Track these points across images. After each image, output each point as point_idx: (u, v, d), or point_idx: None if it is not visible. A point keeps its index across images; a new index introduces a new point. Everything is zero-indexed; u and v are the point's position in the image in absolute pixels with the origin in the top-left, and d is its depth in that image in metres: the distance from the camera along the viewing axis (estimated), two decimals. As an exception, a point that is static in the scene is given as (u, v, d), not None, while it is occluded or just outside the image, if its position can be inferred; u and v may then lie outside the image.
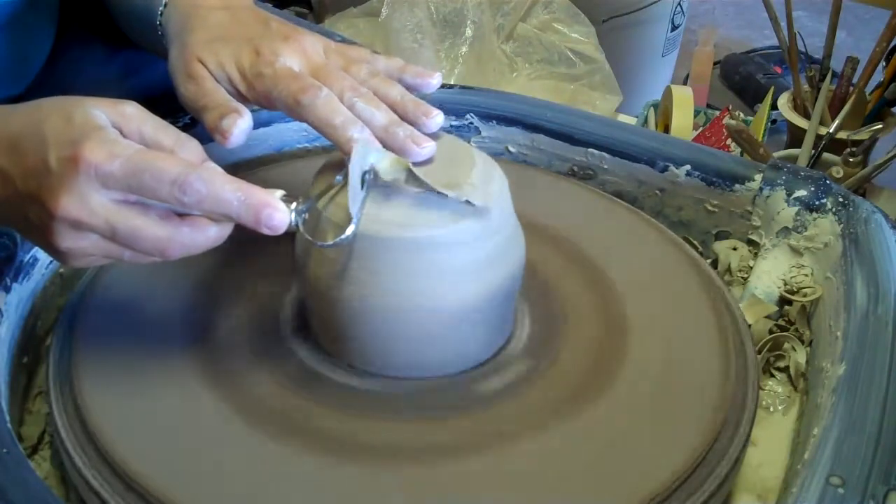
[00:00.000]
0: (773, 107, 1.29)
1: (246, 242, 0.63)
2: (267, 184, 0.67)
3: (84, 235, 0.46)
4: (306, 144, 0.75)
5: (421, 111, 0.54)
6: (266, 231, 0.47)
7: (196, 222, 0.47)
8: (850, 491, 0.44)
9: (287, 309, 0.58)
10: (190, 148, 0.49)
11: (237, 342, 0.56)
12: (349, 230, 0.48)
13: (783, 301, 0.65)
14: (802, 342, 0.62)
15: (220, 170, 0.47)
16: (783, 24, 1.22)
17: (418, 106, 0.54)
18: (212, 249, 0.61)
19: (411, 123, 0.53)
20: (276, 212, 0.47)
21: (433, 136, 0.54)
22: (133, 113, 0.48)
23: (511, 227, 0.54)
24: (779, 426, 0.58)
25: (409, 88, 0.56)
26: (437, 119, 0.53)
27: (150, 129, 0.48)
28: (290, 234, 0.48)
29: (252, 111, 0.53)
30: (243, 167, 0.73)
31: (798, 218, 0.66)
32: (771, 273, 0.66)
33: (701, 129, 1.27)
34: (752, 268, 0.68)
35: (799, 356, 0.61)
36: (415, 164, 0.51)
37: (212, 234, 0.47)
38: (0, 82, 0.73)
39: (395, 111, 0.54)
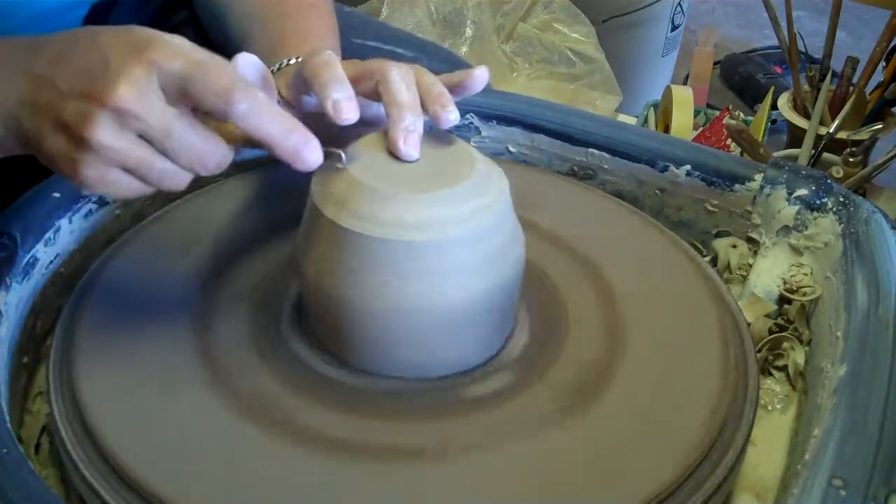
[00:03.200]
0: (773, 107, 1.29)
1: (245, 244, 0.63)
2: (266, 185, 0.67)
3: (125, 134, 0.45)
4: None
5: (440, 101, 0.54)
6: (299, 166, 0.48)
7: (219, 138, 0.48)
8: (851, 493, 0.44)
9: (287, 308, 0.58)
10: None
11: (237, 342, 0.56)
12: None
13: (782, 300, 0.65)
14: (801, 342, 0.62)
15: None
16: (783, 24, 1.22)
17: (441, 96, 0.54)
18: (212, 250, 0.62)
19: (429, 110, 0.53)
20: (314, 150, 0.48)
21: (434, 135, 0.54)
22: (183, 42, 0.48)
23: (511, 227, 0.54)
24: (777, 425, 0.59)
25: (457, 88, 0.56)
26: (452, 115, 0.53)
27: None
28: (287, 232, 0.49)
29: None
30: (243, 167, 0.73)
31: (798, 217, 0.66)
32: (771, 272, 0.66)
33: (701, 129, 1.27)
34: (751, 266, 0.68)
35: (798, 355, 0.61)
36: (413, 161, 0.52)
37: (228, 154, 0.48)
38: None
39: (420, 94, 0.54)
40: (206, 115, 0.48)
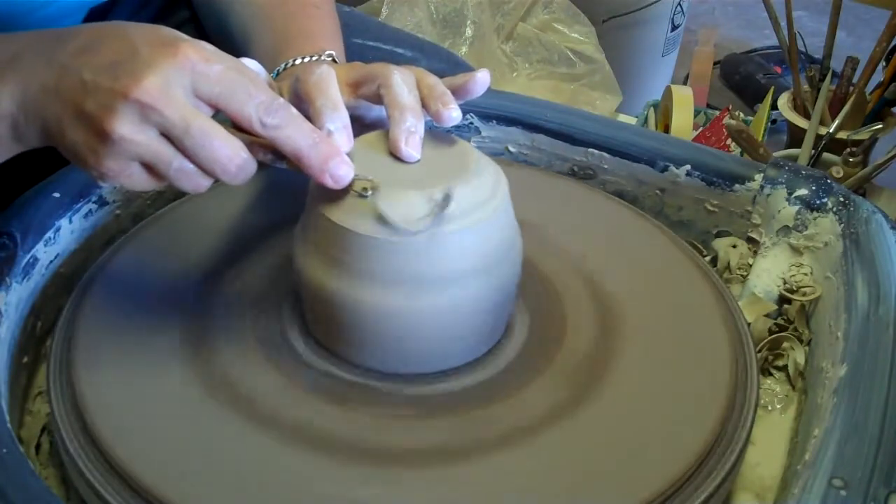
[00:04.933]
0: (773, 107, 1.29)
1: (244, 243, 0.63)
2: (266, 185, 0.67)
3: (147, 128, 0.45)
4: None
5: (442, 100, 0.54)
6: (328, 181, 0.48)
7: (252, 148, 0.48)
8: (852, 493, 0.44)
9: (287, 307, 0.58)
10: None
11: (237, 342, 0.56)
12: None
13: (782, 300, 0.65)
14: (801, 342, 0.62)
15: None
16: (783, 24, 1.22)
17: (443, 95, 0.54)
18: (211, 250, 0.62)
19: (430, 109, 0.53)
20: (343, 164, 0.49)
21: (434, 135, 0.54)
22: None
23: (510, 226, 0.54)
24: (777, 425, 0.59)
25: (459, 91, 0.56)
26: (454, 113, 0.53)
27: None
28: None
29: None
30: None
31: (798, 217, 0.66)
32: (770, 271, 0.66)
33: (701, 129, 1.27)
34: (751, 266, 0.68)
35: (798, 355, 0.61)
36: (413, 162, 0.52)
37: (250, 162, 0.48)
38: None
39: (422, 95, 0.54)
40: (235, 126, 0.48)
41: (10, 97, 0.48)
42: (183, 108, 0.45)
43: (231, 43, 0.74)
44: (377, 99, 0.54)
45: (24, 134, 0.49)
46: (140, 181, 0.48)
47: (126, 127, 0.45)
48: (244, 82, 0.46)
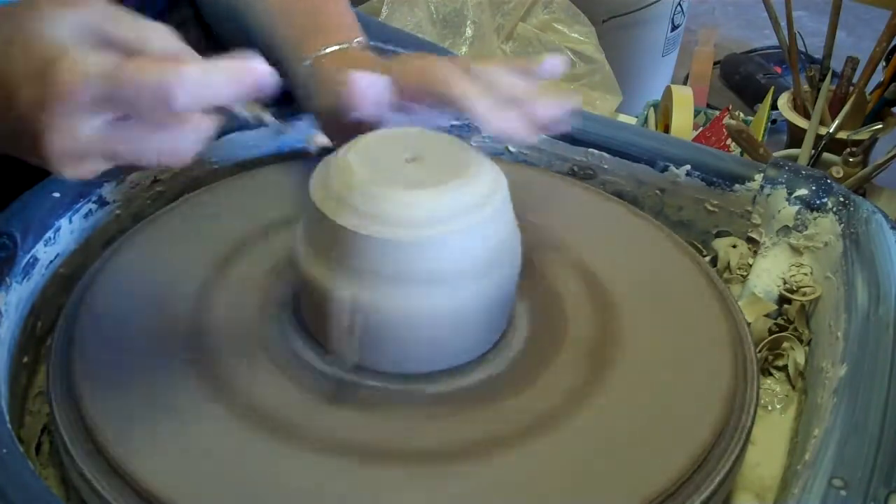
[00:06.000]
0: (773, 107, 1.29)
1: (244, 243, 0.63)
2: (266, 185, 0.67)
3: (84, 162, 0.43)
4: (306, 145, 0.75)
5: (547, 102, 0.56)
6: (257, 91, 0.43)
7: (192, 118, 0.44)
8: (852, 493, 0.44)
9: (287, 307, 0.58)
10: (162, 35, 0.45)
11: (238, 342, 0.56)
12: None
13: (782, 300, 0.65)
14: (801, 341, 0.62)
15: (197, 57, 0.44)
16: (783, 24, 1.22)
17: (539, 98, 0.56)
18: (211, 249, 0.62)
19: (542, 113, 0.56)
20: (258, 72, 0.43)
21: (433, 134, 0.54)
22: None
23: (509, 227, 0.54)
24: (777, 425, 0.59)
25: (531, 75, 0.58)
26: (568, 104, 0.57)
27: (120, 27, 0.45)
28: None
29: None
30: (243, 167, 0.73)
31: (798, 217, 0.66)
32: (770, 271, 0.66)
33: (701, 129, 1.27)
34: (751, 266, 0.68)
35: (798, 355, 0.61)
36: (410, 159, 0.52)
37: (206, 126, 0.44)
38: None
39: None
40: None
41: None
42: (98, 140, 0.42)
43: (248, 37, 0.74)
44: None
45: None
46: (102, 168, 0.45)
47: (69, 171, 0.43)
48: (126, 79, 0.41)
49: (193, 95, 0.41)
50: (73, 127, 0.42)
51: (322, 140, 0.47)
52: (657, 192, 0.72)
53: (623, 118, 1.34)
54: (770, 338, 0.62)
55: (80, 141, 0.42)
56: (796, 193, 0.66)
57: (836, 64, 1.24)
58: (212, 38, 0.82)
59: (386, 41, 0.90)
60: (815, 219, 0.65)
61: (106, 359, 0.54)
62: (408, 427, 0.51)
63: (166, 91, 0.41)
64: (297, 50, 0.66)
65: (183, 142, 0.44)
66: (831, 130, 1.15)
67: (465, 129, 0.75)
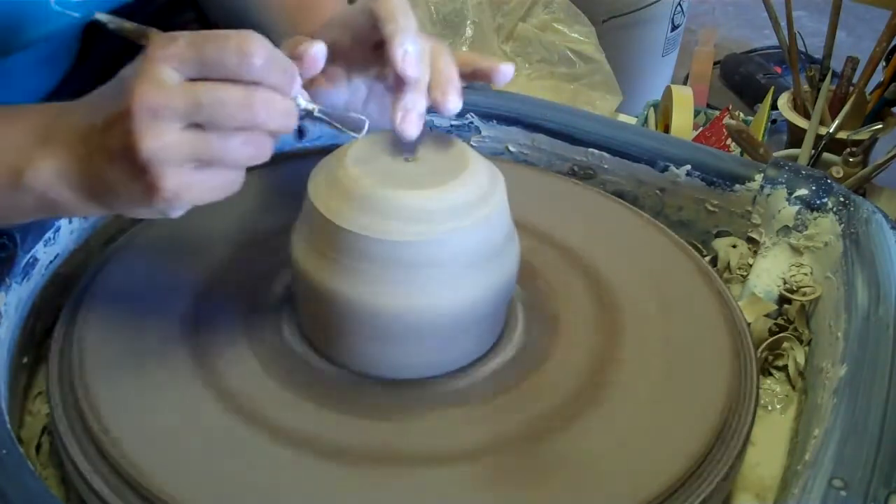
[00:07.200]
0: (773, 107, 1.29)
1: (244, 243, 0.63)
2: (266, 185, 0.67)
3: (166, 127, 0.44)
4: (306, 145, 0.75)
5: (444, 88, 0.53)
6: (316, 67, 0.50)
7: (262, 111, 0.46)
8: (852, 493, 0.44)
9: (286, 307, 0.58)
10: None
11: (237, 343, 0.56)
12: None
13: (782, 300, 0.65)
14: (801, 342, 0.62)
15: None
16: (783, 24, 1.22)
17: (448, 83, 0.53)
18: (211, 249, 0.62)
19: (430, 95, 0.53)
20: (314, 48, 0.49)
21: (432, 135, 0.54)
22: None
23: (507, 227, 0.54)
24: (777, 425, 0.58)
25: (479, 73, 0.56)
26: (451, 105, 0.53)
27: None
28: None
29: None
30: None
31: (799, 217, 0.66)
32: (770, 271, 0.66)
33: (701, 129, 1.27)
34: (751, 266, 0.68)
35: (798, 355, 0.61)
36: (409, 158, 0.52)
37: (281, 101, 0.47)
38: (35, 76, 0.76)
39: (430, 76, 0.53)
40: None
41: (50, 171, 0.47)
42: (181, 89, 0.44)
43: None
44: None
45: (62, 204, 0.49)
46: (210, 185, 0.47)
47: (149, 138, 0.44)
48: (209, 36, 0.45)
49: (268, 57, 0.45)
50: (161, 76, 0.44)
51: (305, 101, 0.47)
52: (657, 192, 0.72)
53: (623, 118, 1.34)
54: (770, 338, 0.62)
55: (166, 87, 0.44)
56: (796, 193, 0.66)
57: (836, 64, 1.23)
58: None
59: None
60: (815, 219, 0.65)
61: (105, 359, 0.54)
62: (406, 428, 0.51)
63: (247, 47, 0.44)
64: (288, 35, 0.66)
65: (259, 96, 0.45)
66: (831, 130, 1.15)
67: (464, 129, 0.75)
